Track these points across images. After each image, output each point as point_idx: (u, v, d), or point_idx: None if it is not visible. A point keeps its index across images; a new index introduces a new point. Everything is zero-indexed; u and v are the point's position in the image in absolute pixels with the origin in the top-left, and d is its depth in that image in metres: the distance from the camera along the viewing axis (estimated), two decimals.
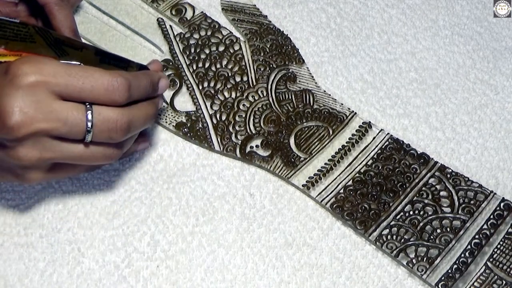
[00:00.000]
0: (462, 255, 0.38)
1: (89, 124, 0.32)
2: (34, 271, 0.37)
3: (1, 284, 0.36)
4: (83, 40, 0.43)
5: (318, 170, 0.42)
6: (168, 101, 0.44)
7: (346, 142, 0.43)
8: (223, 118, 0.43)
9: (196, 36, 0.47)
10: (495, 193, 0.41)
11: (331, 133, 0.43)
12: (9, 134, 0.30)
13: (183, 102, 0.44)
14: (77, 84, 0.31)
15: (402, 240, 0.39)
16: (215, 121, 0.43)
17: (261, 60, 0.46)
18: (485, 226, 0.40)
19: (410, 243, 0.39)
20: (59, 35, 0.35)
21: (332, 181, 0.41)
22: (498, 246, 0.39)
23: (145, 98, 0.35)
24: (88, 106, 0.32)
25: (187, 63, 0.46)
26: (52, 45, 0.34)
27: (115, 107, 0.33)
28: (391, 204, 0.40)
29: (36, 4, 0.40)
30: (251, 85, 0.45)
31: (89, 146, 0.33)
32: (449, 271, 0.38)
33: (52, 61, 0.32)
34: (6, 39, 0.33)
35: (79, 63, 0.34)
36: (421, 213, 0.40)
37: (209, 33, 0.47)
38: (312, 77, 0.46)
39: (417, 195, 0.41)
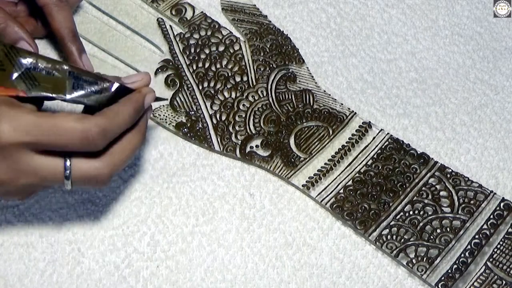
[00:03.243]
0: (462, 255, 0.38)
1: (68, 177, 0.31)
2: (34, 271, 0.37)
3: (1, 284, 0.36)
4: (83, 41, 0.43)
5: (318, 170, 0.42)
6: (169, 101, 0.44)
7: (346, 142, 0.43)
8: (223, 118, 0.43)
9: (196, 36, 0.47)
10: (495, 193, 0.41)
11: (331, 133, 0.43)
12: None
13: (183, 102, 0.44)
14: (51, 140, 0.30)
15: (402, 240, 0.39)
16: (215, 121, 0.43)
17: (261, 60, 0.46)
18: (485, 226, 0.40)
19: (410, 243, 0.39)
20: (28, 54, 0.32)
21: (332, 181, 0.41)
22: (498, 246, 0.39)
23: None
24: (66, 160, 0.31)
25: (187, 63, 0.46)
26: (22, 74, 0.32)
27: (96, 158, 0.32)
28: (391, 204, 0.40)
29: (36, 5, 0.40)
30: (251, 85, 0.45)
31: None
32: (449, 271, 0.38)
33: (24, 115, 0.30)
34: None
35: (50, 94, 0.32)
36: (421, 213, 0.40)
37: (209, 33, 0.47)
38: (312, 77, 0.46)
39: (417, 195, 0.41)
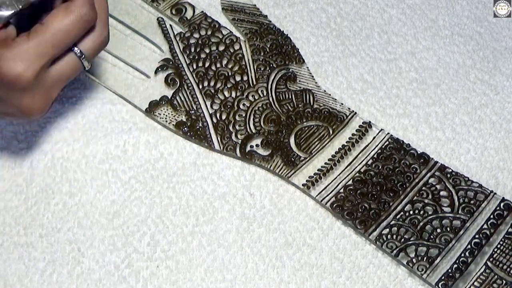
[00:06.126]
0: (462, 255, 0.38)
1: (83, 59, 0.34)
2: (34, 271, 0.37)
3: (1, 284, 0.36)
4: None
5: (318, 170, 0.42)
6: (169, 100, 0.44)
7: (346, 142, 0.43)
8: (223, 117, 0.43)
9: (196, 35, 0.47)
10: (495, 193, 0.41)
11: (331, 132, 0.43)
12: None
13: (183, 101, 0.44)
14: (58, 47, 0.32)
15: (402, 240, 0.39)
16: (215, 120, 0.43)
17: (261, 59, 0.46)
18: (485, 226, 0.40)
19: (410, 242, 0.39)
20: None
21: (332, 181, 0.41)
22: (498, 246, 0.39)
23: None
24: (74, 49, 0.33)
25: (187, 63, 0.46)
26: None
27: (91, 32, 0.34)
28: (391, 204, 0.40)
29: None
30: (251, 84, 0.45)
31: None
32: (449, 270, 0.38)
33: (23, 45, 0.31)
34: None
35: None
36: (421, 212, 0.40)
37: (209, 32, 0.47)
38: (312, 77, 0.46)
39: (417, 194, 0.41)
